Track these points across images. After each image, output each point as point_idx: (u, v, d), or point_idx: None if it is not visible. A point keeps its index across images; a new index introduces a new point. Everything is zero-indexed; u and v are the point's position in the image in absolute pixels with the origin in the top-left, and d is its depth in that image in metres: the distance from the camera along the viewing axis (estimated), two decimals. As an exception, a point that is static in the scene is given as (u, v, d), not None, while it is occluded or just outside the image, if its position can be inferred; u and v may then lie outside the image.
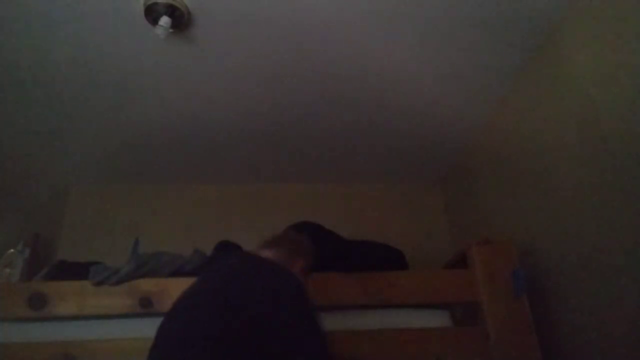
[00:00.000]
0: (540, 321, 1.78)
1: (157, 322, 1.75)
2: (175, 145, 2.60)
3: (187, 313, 1.24)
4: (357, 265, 1.87)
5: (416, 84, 2.15)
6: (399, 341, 1.72)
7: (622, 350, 1.48)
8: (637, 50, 1.41)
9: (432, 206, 3.12)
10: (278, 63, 1.99)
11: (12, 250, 2.30)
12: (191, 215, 2.95)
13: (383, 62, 2.00)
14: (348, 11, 1.72)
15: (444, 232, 3.02)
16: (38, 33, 1.77)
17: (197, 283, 1.35)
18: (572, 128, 1.73)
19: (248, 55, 1.93)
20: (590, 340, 1.63)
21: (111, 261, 1.89)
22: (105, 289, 1.75)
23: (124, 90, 2.12)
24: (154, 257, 1.85)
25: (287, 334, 1.15)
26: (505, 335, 1.69)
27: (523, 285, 1.75)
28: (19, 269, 2.25)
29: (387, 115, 2.39)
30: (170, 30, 1.68)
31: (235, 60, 1.96)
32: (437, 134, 2.57)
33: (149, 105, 2.24)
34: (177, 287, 1.77)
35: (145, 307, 1.73)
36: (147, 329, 1.73)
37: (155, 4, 1.63)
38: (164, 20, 1.64)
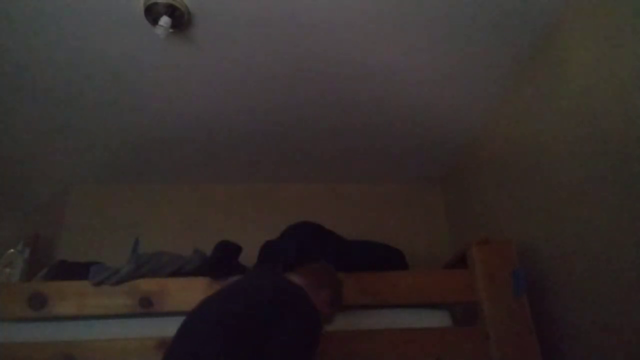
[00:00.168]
0: (540, 321, 1.78)
1: (157, 322, 1.77)
2: (176, 145, 2.60)
3: (206, 316, 1.29)
4: (357, 265, 1.87)
5: (416, 84, 2.15)
6: (399, 341, 1.72)
7: (622, 350, 1.48)
8: (637, 50, 1.41)
9: (432, 206, 3.12)
10: (278, 63, 1.99)
11: (12, 250, 2.30)
12: (191, 215, 2.95)
13: (383, 62, 2.00)
14: (348, 11, 1.72)
15: (444, 232, 3.02)
16: (38, 33, 1.77)
17: (224, 292, 1.39)
18: (572, 128, 1.73)
19: (248, 55, 1.93)
20: (590, 340, 1.63)
21: (111, 261, 1.89)
22: (105, 289, 1.75)
23: (124, 90, 2.12)
24: (154, 257, 1.85)
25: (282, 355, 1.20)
26: (505, 335, 1.69)
27: (523, 285, 1.75)
28: (19, 269, 2.25)
29: (387, 116, 2.39)
30: (170, 30, 1.68)
31: (235, 60, 1.96)
32: (437, 134, 2.57)
33: (149, 105, 2.25)
34: (177, 287, 1.79)
35: (145, 307, 1.73)
36: (147, 329, 1.74)
37: (155, 4, 1.63)
38: (164, 20, 1.64)
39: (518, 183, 2.12)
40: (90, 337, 1.70)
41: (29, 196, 2.75)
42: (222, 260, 1.84)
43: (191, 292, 1.77)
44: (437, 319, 1.83)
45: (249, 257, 2.04)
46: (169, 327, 1.72)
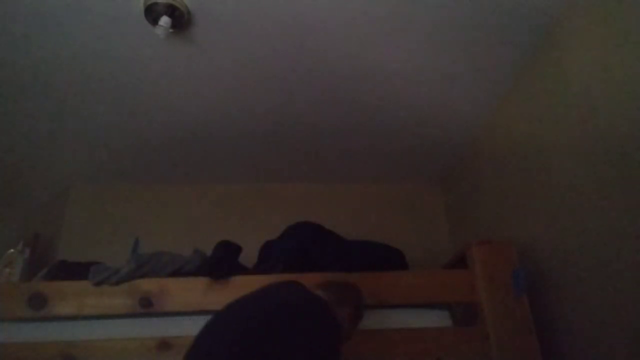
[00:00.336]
0: (540, 321, 1.78)
1: (157, 322, 1.77)
2: (176, 145, 2.60)
3: (225, 323, 1.29)
4: (357, 265, 1.87)
5: (416, 84, 2.15)
6: (399, 341, 1.72)
7: (622, 350, 1.48)
8: (637, 50, 1.41)
9: (432, 206, 3.12)
10: (278, 63, 1.99)
11: (12, 250, 2.30)
12: (191, 215, 2.95)
13: (383, 62, 2.00)
14: (348, 12, 1.72)
15: (444, 232, 3.02)
16: (38, 33, 1.77)
17: (244, 301, 1.38)
18: (572, 128, 1.73)
19: (248, 55, 1.93)
20: (590, 340, 1.63)
21: (111, 261, 1.89)
22: (105, 289, 1.75)
23: (123, 90, 2.12)
24: (154, 257, 1.85)
25: None
26: (505, 335, 1.69)
27: (523, 285, 1.75)
28: (19, 269, 2.25)
29: (387, 116, 2.39)
30: (170, 30, 1.68)
31: (235, 60, 1.96)
32: (437, 134, 2.57)
33: (149, 105, 2.25)
34: (177, 287, 1.79)
35: (145, 307, 1.73)
36: (147, 329, 1.74)
37: (155, 4, 1.63)
38: (164, 20, 1.64)
39: (518, 183, 2.12)
40: (90, 337, 1.70)
41: (29, 196, 2.75)
42: (222, 260, 1.85)
43: (191, 292, 1.77)
44: (437, 319, 1.83)
45: (249, 257, 2.05)
46: (169, 327, 1.74)
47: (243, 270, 1.93)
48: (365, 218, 2.99)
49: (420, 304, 1.84)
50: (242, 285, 1.79)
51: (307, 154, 2.76)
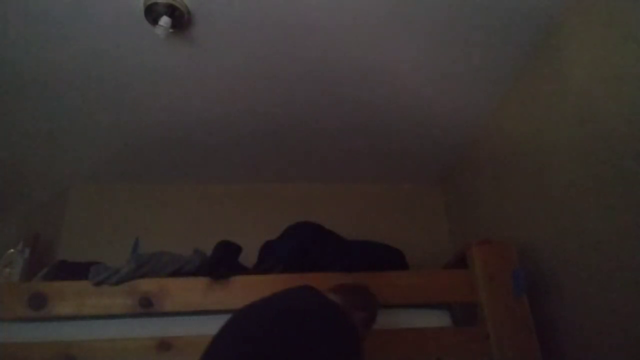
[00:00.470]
0: (540, 321, 1.78)
1: (157, 322, 1.77)
2: (176, 145, 2.60)
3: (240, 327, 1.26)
4: (357, 265, 1.87)
5: (416, 84, 2.15)
6: (399, 341, 1.72)
7: (622, 350, 1.48)
8: (637, 49, 1.41)
9: (432, 206, 3.12)
10: (278, 63, 1.99)
11: (12, 250, 2.30)
12: (191, 215, 2.95)
13: (383, 62, 2.00)
14: (348, 12, 1.72)
15: (444, 232, 3.02)
16: (38, 33, 1.77)
17: (260, 305, 1.35)
18: (572, 127, 1.73)
19: (248, 55, 1.93)
20: (590, 340, 1.63)
21: (111, 261, 1.89)
22: (105, 289, 1.75)
23: (123, 90, 2.12)
24: (154, 257, 1.85)
25: None
26: (505, 335, 1.69)
27: (523, 285, 1.75)
28: (19, 269, 2.25)
29: (387, 116, 2.39)
30: (170, 30, 1.68)
31: (235, 60, 1.96)
32: (437, 134, 2.57)
33: (149, 105, 2.25)
34: (177, 287, 1.79)
35: (145, 307, 1.73)
36: (147, 329, 1.74)
37: (155, 4, 1.63)
38: (164, 20, 1.64)
39: (518, 183, 2.12)
40: (90, 337, 1.70)
41: (29, 196, 2.75)
42: (222, 260, 1.84)
43: (191, 292, 1.77)
44: (437, 319, 1.83)
45: (249, 257, 2.05)
46: (169, 327, 1.74)
47: (243, 270, 1.93)
48: (365, 218, 2.99)
49: (420, 304, 1.84)
50: (242, 286, 1.80)
51: (307, 154, 2.76)
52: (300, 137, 2.57)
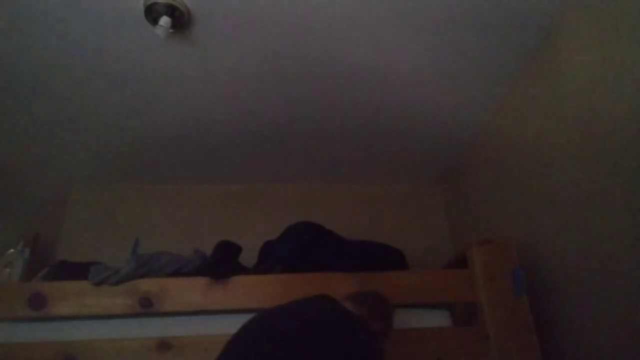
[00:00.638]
0: (540, 321, 1.78)
1: (157, 322, 1.77)
2: (176, 145, 2.60)
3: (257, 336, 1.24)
4: (357, 265, 1.87)
5: (416, 85, 2.15)
6: (399, 341, 1.72)
7: (622, 350, 1.48)
8: (637, 50, 1.41)
9: (432, 206, 3.12)
10: (278, 63, 1.99)
11: (12, 250, 2.30)
12: (191, 215, 2.95)
13: (383, 62, 2.00)
14: (348, 12, 1.72)
15: (444, 232, 3.02)
16: (38, 33, 1.77)
17: (277, 314, 1.33)
18: (572, 128, 1.73)
19: (248, 55, 1.93)
20: (590, 340, 1.63)
21: (111, 261, 1.89)
22: (105, 289, 1.75)
23: (124, 90, 2.12)
24: (154, 257, 1.85)
25: None
26: (505, 335, 1.69)
27: (523, 285, 1.75)
28: (19, 269, 2.25)
29: (387, 116, 2.39)
30: (170, 30, 1.68)
31: (235, 60, 1.96)
32: (437, 134, 2.57)
33: (149, 105, 2.24)
34: (177, 287, 1.79)
35: (145, 307, 1.73)
36: (147, 329, 1.74)
37: (155, 4, 1.63)
38: (164, 20, 1.64)
39: (518, 183, 2.12)
40: (90, 337, 1.70)
41: (29, 196, 2.74)
42: (222, 260, 1.85)
43: (191, 292, 1.77)
44: (437, 319, 1.83)
45: (249, 257, 2.05)
46: (169, 327, 1.74)
47: (243, 270, 1.93)
48: (365, 218, 2.99)
49: (420, 304, 1.84)
50: (242, 286, 1.80)
51: (307, 154, 2.76)
52: (300, 137, 2.57)
